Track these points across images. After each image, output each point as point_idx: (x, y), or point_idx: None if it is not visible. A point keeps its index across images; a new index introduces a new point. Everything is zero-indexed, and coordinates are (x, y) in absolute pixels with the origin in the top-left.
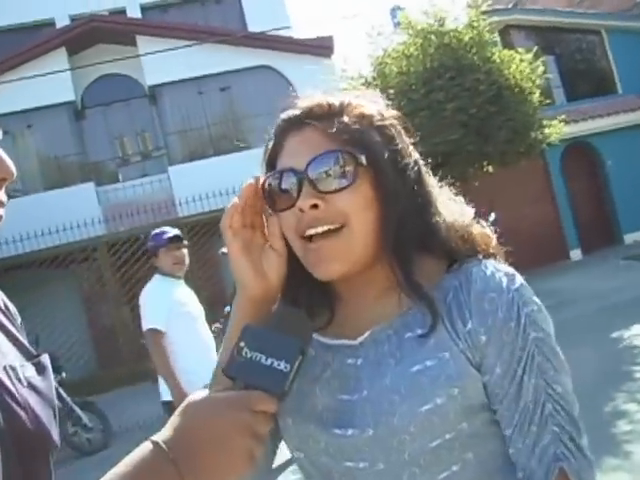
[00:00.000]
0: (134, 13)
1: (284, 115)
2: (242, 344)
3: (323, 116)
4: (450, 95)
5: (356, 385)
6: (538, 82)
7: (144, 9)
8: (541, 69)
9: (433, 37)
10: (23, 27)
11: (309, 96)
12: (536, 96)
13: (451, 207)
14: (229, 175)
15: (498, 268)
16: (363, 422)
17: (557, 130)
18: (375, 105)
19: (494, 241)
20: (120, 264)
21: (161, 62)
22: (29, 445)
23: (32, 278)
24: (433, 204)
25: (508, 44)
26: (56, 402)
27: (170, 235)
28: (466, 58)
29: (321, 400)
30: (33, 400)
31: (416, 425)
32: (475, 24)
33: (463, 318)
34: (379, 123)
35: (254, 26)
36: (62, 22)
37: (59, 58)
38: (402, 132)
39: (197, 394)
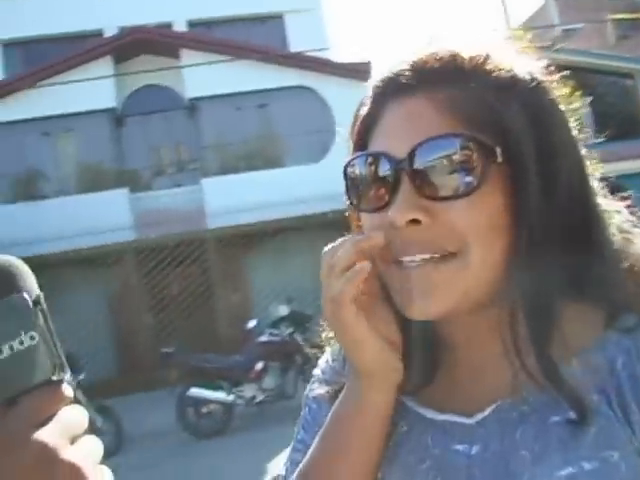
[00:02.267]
0: (180, 27)
1: (384, 71)
2: None
3: (442, 77)
4: None
5: None
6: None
7: (191, 24)
8: (577, 104)
9: None
10: (72, 36)
11: (426, 40)
12: None
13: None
14: (260, 191)
15: None
16: None
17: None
18: (524, 62)
19: None
20: (147, 270)
21: (202, 76)
22: None
23: (60, 278)
24: (601, 229)
25: None
26: None
27: None
28: None
29: None
30: None
31: None
32: None
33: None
34: (530, 96)
35: (295, 47)
36: (110, 33)
37: (104, 66)
38: (563, 115)
39: None
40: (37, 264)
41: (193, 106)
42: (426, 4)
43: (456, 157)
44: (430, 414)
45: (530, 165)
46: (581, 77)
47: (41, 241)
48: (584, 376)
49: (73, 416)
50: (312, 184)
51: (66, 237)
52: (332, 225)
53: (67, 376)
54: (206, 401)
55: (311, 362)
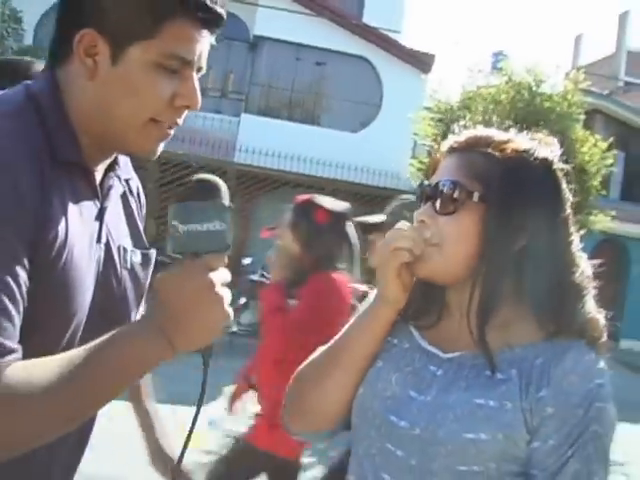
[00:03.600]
0: None
1: (450, 138)
2: (175, 223)
3: (469, 147)
4: None
5: (426, 389)
6: (603, 171)
7: None
8: (610, 161)
9: (526, 94)
10: None
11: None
12: (595, 183)
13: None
14: (293, 143)
15: (593, 359)
16: (415, 420)
17: (603, 223)
18: (537, 150)
19: (601, 330)
20: (164, 182)
21: (274, 18)
22: (111, 317)
23: None
24: (566, 268)
25: (588, 127)
26: (146, 291)
27: None
28: (547, 124)
29: (392, 388)
30: (129, 283)
31: (454, 445)
32: (569, 97)
33: (539, 384)
34: (517, 165)
35: (369, 19)
36: None
37: None
38: (545, 190)
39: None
40: None
41: (256, 43)
42: (501, 20)
43: (448, 192)
44: (424, 344)
45: (492, 211)
46: (625, 133)
47: None
48: (516, 356)
49: (225, 273)
50: (343, 151)
51: None
52: (344, 194)
53: (228, 252)
54: None
55: None
